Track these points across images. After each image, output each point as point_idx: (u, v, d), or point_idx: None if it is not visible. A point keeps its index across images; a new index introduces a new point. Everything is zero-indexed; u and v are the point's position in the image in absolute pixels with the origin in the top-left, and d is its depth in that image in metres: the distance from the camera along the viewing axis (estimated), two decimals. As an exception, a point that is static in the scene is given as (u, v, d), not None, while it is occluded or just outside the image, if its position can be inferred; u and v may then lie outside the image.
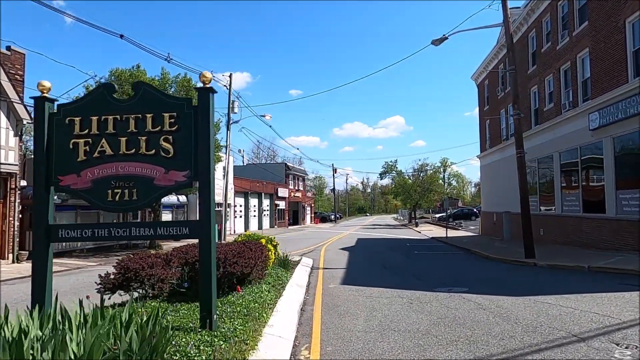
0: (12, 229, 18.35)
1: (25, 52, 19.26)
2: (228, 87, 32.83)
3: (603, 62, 15.06)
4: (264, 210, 46.98)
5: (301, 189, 58.63)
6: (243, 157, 56.66)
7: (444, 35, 16.38)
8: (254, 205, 44.17)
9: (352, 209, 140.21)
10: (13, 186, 18.43)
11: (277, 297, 7.92)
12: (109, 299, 6.85)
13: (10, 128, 18.21)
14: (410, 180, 51.68)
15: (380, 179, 58.88)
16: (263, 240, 10.69)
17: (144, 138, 5.07)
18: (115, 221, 25.94)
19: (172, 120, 5.07)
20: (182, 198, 32.19)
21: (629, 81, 13.43)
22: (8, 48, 18.55)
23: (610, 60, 14.54)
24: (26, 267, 16.77)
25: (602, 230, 14.96)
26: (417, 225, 46.45)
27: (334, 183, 70.17)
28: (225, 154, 32.29)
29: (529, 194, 22.52)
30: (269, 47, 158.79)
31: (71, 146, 5.13)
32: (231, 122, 33.12)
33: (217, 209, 28.62)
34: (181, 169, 5.02)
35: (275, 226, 48.66)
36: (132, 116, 5.12)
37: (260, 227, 45.00)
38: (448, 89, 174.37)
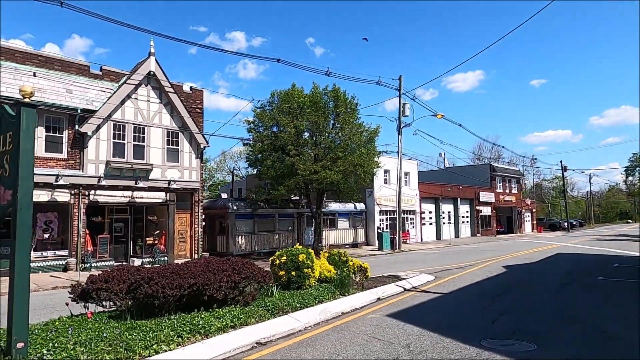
0: (196, 234, 22.45)
1: (203, 89, 23.49)
2: (398, 89, 31.77)
3: None
4: (462, 217, 42.95)
5: (515, 192, 50.90)
6: (444, 160, 53.59)
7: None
8: (448, 212, 40.95)
9: (611, 214, 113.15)
10: (197, 199, 22.56)
11: (241, 325, 6.92)
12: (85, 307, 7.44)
13: (193, 152, 22.40)
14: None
15: (626, 176, 44.82)
16: (302, 257, 9.66)
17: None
18: (290, 228, 28.57)
19: (10, 139, 5.08)
20: (360, 205, 32.63)
21: None
22: (190, 88, 22.99)
23: None
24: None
25: None
26: (681, 238, 33.55)
27: (563, 184, 57.49)
28: (397, 158, 31.12)
29: None
30: (505, 40, 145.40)
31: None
32: (402, 125, 31.94)
33: (392, 216, 27.73)
34: (10, 188, 4.97)
35: (478, 234, 43.79)
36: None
37: (457, 235, 41.39)
38: None
